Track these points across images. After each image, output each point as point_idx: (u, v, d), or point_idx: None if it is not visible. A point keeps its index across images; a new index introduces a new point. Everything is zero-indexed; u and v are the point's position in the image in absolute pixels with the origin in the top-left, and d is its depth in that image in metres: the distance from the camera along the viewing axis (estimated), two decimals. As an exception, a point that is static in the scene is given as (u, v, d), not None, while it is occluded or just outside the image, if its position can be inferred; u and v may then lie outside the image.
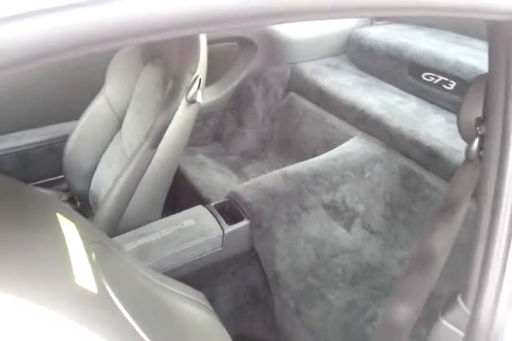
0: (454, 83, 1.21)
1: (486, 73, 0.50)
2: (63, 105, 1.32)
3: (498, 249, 0.48)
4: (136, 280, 0.64)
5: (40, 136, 1.30)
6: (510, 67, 0.44)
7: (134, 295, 0.58)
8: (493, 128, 0.48)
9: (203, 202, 1.21)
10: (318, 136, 1.38)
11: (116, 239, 0.92)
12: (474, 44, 1.31)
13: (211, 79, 1.49)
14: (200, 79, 0.97)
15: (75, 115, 1.18)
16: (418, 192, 1.13)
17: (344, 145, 1.24)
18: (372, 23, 1.57)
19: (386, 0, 0.32)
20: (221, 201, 1.06)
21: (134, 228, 0.98)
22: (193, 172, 1.33)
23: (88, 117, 1.18)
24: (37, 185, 1.29)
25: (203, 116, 1.47)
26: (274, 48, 1.47)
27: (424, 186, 1.12)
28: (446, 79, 1.22)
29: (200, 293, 0.78)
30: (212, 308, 0.77)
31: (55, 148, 1.28)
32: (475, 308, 0.49)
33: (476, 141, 0.52)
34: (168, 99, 0.97)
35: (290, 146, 1.47)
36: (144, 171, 0.97)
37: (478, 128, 0.51)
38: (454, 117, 1.20)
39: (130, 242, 0.91)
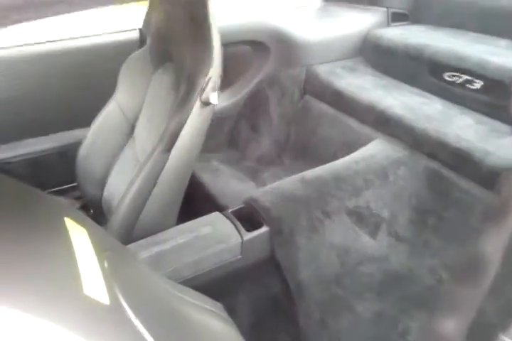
0: (481, 82, 1.15)
1: None
2: (76, 111, 1.30)
3: None
4: (151, 291, 0.59)
5: (53, 142, 1.28)
6: None
7: (149, 306, 0.53)
8: None
9: (220, 209, 1.16)
10: (336, 139, 1.33)
11: (131, 246, 0.87)
12: (497, 43, 1.26)
13: (224, 84, 1.46)
14: (214, 81, 0.93)
15: (88, 121, 1.16)
16: (448, 197, 1.07)
17: (365, 148, 1.18)
18: (388, 24, 1.53)
19: None
20: (239, 207, 1.01)
21: (149, 235, 0.93)
22: (208, 179, 1.29)
23: (100, 123, 1.15)
24: (50, 193, 1.26)
25: (217, 122, 1.43)
26: (288, 51, 1.43)
27: (454, 190, 1.05)
28: (471, 78, 1.17)
29: (218, 304, 0.73)
30: (231, 320, 0.72)
31: (68, 155, 1.25)
32: None
33: None
34: (182, 102, 0.93)
35: (307, 151, 1.43)
36: (158, 176, 0.93)
37: None
38: (482, 118, 1.14)
39: (145, 250, 0.86)
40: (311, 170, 1.09)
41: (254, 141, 1.48)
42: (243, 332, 0.71)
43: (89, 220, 0.57)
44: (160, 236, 0.92)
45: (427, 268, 1.05)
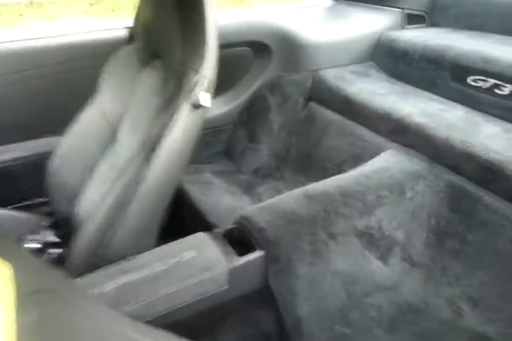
0: (510, 86, 1.01)
1: None
2: (47, 116, 1.16)
3: None
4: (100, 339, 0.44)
5: (20, 151, 1.14)
6: None
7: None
8: None
9: (209, 227, 1.01)
10: (345, 150, 1.19)
11: (94, 276, 0.72)
12: None
13: (221, 88, 1.33)
14: (207, 81, 0.80)
15: (61, 128, 1.02)
16: (474, 217, 0.92)
17: (377, 159, 1.04)
18: (403, 27, 1.40)
19: None
20: (229, 227, 0.86)
21: (122, 258, 0.78)
22: (198, 193, 1.14)
23: (77, 129, 1.02)
24: (16, 208, 1.11)
25: (212, 130, 1.30)
26: (293, 54, 1.30)
27: (481, 209, 0.90)
28: (499, 82, 1.03)
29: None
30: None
31: (40, 166, 1.11)
32: None
33: None
34: (168, 103, 0.80)
35: (310, 163, 1.28)
36: (137, 189, 0.79)
37: None
38: (510, 126, 1.00)
39: (110, 280, 0.71)
40: (314, 184, 0.94)
41: (251, 151, 1.34)
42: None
43: (22, 252, 0.44)
44: (132, 261, 0.76)
45: (444, 298, 0.90)
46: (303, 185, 1.27)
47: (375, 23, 1.38)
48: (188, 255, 0.77)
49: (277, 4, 1.46)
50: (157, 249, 0.80)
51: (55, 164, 1.01)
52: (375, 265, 0.91)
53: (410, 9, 1.38)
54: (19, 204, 1.14)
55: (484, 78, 1.06)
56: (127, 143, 0.96)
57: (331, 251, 0.84)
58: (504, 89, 1.02)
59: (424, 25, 1.40)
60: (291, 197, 0.89)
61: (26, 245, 0.97)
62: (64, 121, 1.01)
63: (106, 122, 1.02)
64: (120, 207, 0.80)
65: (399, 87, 1.22)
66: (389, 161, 1.01)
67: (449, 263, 0.94)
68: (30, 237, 0.99)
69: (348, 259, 0.86)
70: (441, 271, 0.94)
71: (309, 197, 0.88)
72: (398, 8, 1.38)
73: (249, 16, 1.29)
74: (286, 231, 0.82)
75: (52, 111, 1.18)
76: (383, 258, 0.93)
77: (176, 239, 0.84)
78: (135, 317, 0.66)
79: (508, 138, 0.94)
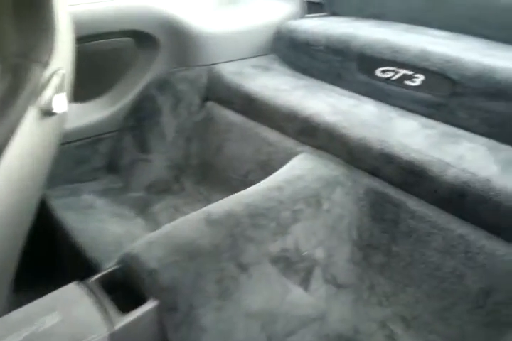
0: (422, 77, 0.92)
1: None
2: None
3: None
4: None
5: None
6: None
7: None
8: None
9: (90, 268, 0.80)
10: (249, 157, 1.04)
11: None
12: (432, 32, 1.06)
13: (98, 88, 1.10)
14: (60, 78, 0.60)
15: None
16: (398, 225, 0.82)
17: (289, 165, 0.90)
18: (303, 16, 1.28)
19: None
20: (110, 270, 0.66)
21: None
22: (74, 222, 0.91)
23: None
24: None
25: (89, 141, 1.06)
26: (183, 46, 1.12)
27: (405, 216, 0.81)
28: (410, 72, 0.94)
29: None
30: None
31: None
32: None
33: None
34: (4, 106, 0.58)
35: (213, 172, 1.11)
36: None
37: None
38: (427, 121, 0.92)
39: None
40: (217, 204, 0.77)
41: (142, 163, 1.13)
42: None
43: None
44: None
45: (376, 321, 0.80)
46: (206, 199, 1.11)
47: (274, 11, 1.24)
48: (51, 321, 0.56)
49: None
50: (6, 316, 0.58)
51: None
52: (296, 293, 0.76)
53: (310, -4, 1.27)
54: None
55: (393, 69, 0.96)
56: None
57: (243, 288, 0.68)
58: (415, 80, 0.94)
59: (325, 14, 1.29)
60: (189, 223, 0.72)
61: None
62: None
63: None
64: None
65: (304, 81, 1.09)
66: (302, 168, 0.87)
67: (376, 280, 0.84)
68: None
69: (264, 294, 0.71)
70: (369, 289, 0.83)
71: (212, 222, 0.71)
72: (297, -5, 1.26)
73: (129, 2, 1.08)
74: (185, 271, 0.64)
75: None
76: (304, 283, 0.79)
77: (43, 290, 0.62)
78: None
79: (427, 135, 0.85)
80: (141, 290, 0.63)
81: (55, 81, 0.60)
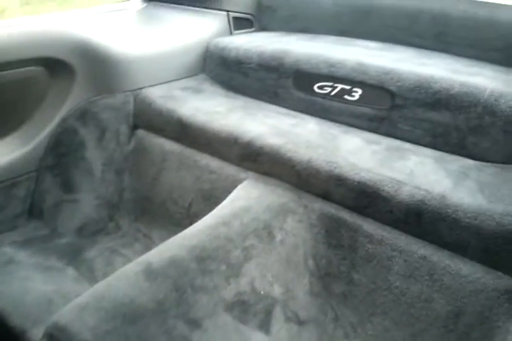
0: (360, 91, 0.89)
1: None
2: None
3: None
4: None
5: None
6: None
7: None
8: None
9: (14, 338, 0.68)
10: (190, 185, 0.95)
11: None
12: (365, 44, 1.04)
13: (8, 125, 0.97)
14: None
15: None
16: (357, 251, 0.77)
17: (233, 195, 0.82)
18: (231, 33, 1.22)
19: None
20: None
21: None
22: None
23: None
24: None
25: (3, 185, 0.93)
26: (103, 71, 1.02)
27: (363, 240, 0.76)
28: (348, 87, 0.91)
29: None
30: None
31: None
32: None
33: None
34: None
35: (151, 206, 1.01)
36: None
37: None
38: (370, 136, 0.88)
39: None
40: (158, 249, 0.68)
41: (68, 204, 1.00)
42: None
43: None
44: None
45: None
46: (146, 236, 1.00)
47: (200, 29, 1.17)
48: None
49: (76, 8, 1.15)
50: None
51: None
52: (256, 339, 0.68)
53: (236, 12, 1.21)
54: None
55: (331, 84, 0.93)
56: None
57: (197, 347, 0.59)
58: (354, 94, 0.91)
59: (253, 29, 1.24)
60: (126, 278, 0.62)
61: None
62: None
63: None
64: None
65: (240, 101, 1.03)
66: (248, 197, 0.80)
67: (340, 310, 0.78)
68: None
69: (222, 348, 0.62)
70: (333, 322, 0.77)
71: (152, 274, 0.62)
72: (223, 10, 1.20)
73: (36, 26, 0.96)
74: (126, 339, 0.54)
75: None
76: (264, 326, 0.71)
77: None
78: None
79: (373, 151, 0.81)
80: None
81: None
